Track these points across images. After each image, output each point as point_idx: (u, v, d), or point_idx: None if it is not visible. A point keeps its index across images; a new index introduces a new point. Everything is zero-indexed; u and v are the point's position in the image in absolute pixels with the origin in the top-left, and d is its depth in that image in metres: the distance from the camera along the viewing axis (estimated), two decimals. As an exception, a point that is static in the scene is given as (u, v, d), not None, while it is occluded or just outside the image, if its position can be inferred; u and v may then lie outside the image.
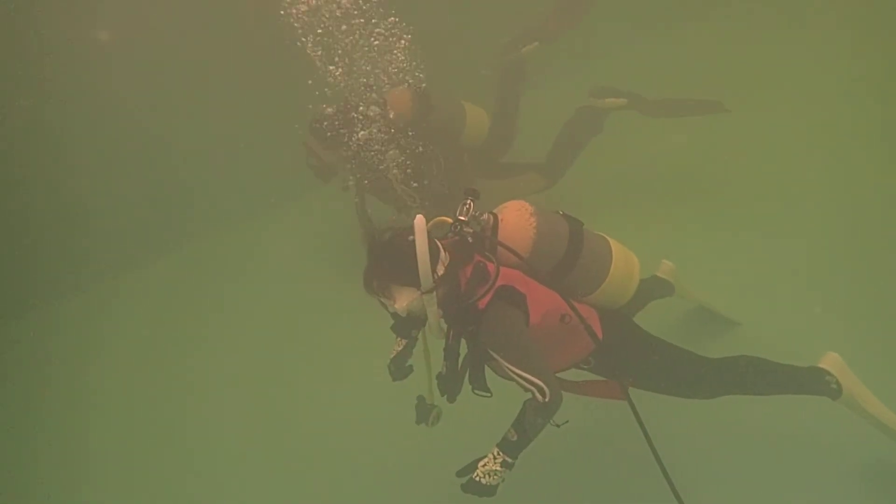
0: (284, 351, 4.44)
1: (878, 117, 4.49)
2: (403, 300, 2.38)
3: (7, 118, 4.86)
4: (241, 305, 4.86)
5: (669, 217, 4.30)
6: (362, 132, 4.06)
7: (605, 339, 2.58)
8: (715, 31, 5.50)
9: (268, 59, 4.86)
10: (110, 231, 5.20)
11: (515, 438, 2.32)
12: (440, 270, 2.37)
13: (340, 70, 4.08)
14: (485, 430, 2.52)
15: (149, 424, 4.26)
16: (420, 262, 2.30)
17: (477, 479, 2.32)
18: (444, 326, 2.47)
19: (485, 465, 2.33)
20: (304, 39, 4.08)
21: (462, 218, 2.50)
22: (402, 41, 4.09)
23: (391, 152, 4.06)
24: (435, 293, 2.36)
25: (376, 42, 4.07)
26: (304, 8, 4.05)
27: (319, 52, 4.09)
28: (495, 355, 2.37)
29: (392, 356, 2.87)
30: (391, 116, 4.09)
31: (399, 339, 2.86)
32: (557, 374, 2.54)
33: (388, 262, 2.38)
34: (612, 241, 2.73)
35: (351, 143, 4.12)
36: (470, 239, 2.50)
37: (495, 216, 2.58)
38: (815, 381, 2.74)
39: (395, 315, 2.64)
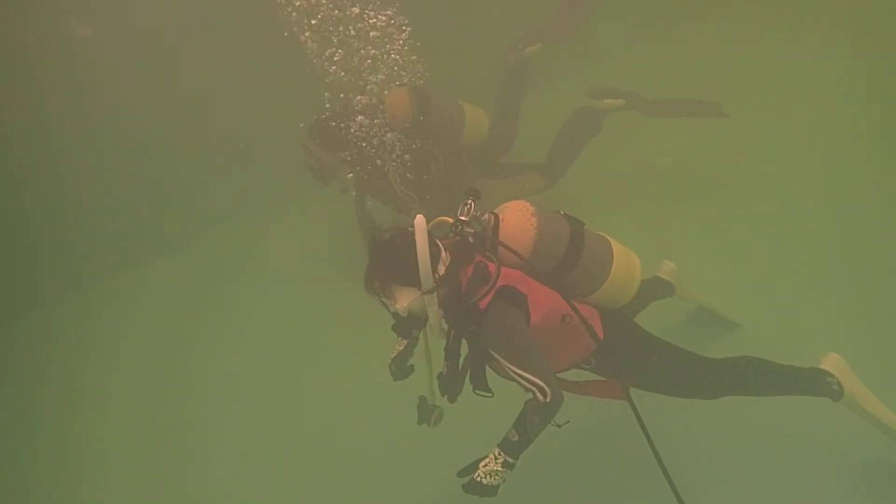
0: (284, 351, 4.44)
1: (878, 117, 4.50)
2: (404, 300, 2.38)
3: (7, 118, 4.85)
4: (241, 305, 4.86)
5: (669, 217, 4.30)
6: (360, 116, 4.06)
7: (606, 340, 2.58)
8: (715, 31, 5.50)
9: (268, 59, 4.85)
10: (110, 231, 5.19)
11: (517, 438, 2.32)
12: (441, 270, 2.37)
13: (338, 60, 4.06)
14: (486, 431, 2.52)
15: (149, 424, 4.26)
16: (421, 262, 2.30)
17: (478, 479, 2.31)
18: (445, 326, 2.47)
19: (486, 465, 2.33)
20: (305, 35, 4.07)
21: (463, 218, 2.50)
22: (404, 32, 4.08)
23: (388, 136, 4.05)
24: (436, 293, 2.36)
25: (374, 34, 4.06)
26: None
27: (320, 49, 4.08)
28: (496, 355, 2.37)
29: (393, 356, 2.87)
30: (390, 117, 4.10)
31: (400, 339, 2.87)
32: (558, 375, 2.54)
33: (388, 262, 2.38)
34: (613, 242, 2.72)
35: (350, 135, 4.12)
36: (471, 239, 2.50)
37: (496, 216, 2.58)
38: (816, 382, 2.74)
39: (395, 315, 2.64)
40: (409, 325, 2.75)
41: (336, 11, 4.04)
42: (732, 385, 2.72)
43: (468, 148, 4.43)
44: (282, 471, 3.79)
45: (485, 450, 2.38)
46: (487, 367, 2.52)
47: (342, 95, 4.20)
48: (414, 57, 4.14)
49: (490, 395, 2.51)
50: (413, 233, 2.30)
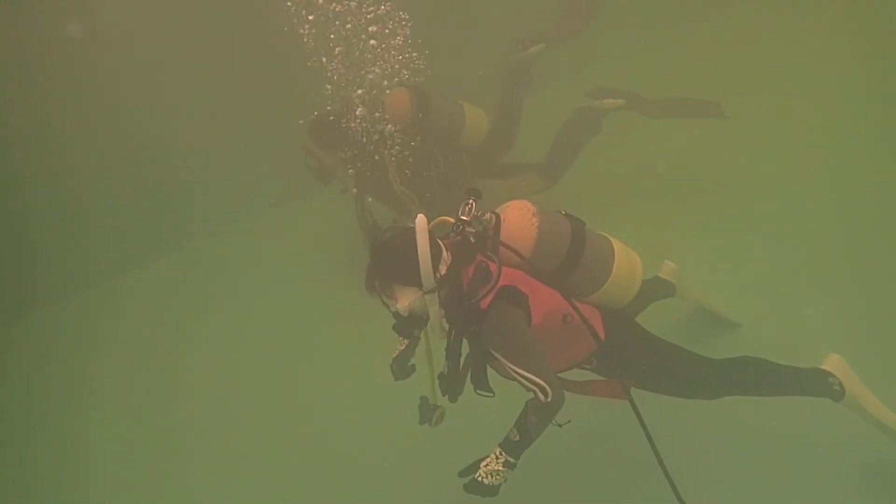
0: (284, 351, 4.44)
1: (878, 117, 4.50)
2: (405, 300, 2.38)
3: (7, 118, 4.84)
4: (241, 305, 4.85)
5: (669, 217, 4.30)
6: (359, 109, 4.05)
7: (607, 340, 2.59)
8: (715, 31, 5.51)
9: (268, 59, 4.85)
10: (110, 231, 5.18)
11: (518, 438, 2.32)
12: (442, 270, 2.37)
13: (338, 58, 4.05)
14: (487, 431, 2.52)
15: (149, 424, 4.26)
16: (422, 262, 2.30)
17: (479, 479, 2.32)
18: (446, 326, 2.47)
19: (487, 465, 2.33)
20: (304, 30, 4.06)
21: (464, 218, 2.50)
22: (405, 28, 4.07)
23: (388, 128, 4.04)
24: (437, 293, 2.36)
25: (374, 28, 4.05)
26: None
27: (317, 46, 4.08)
28: (497, 355, 2.37)
29: (394, 356, 2.87)
30: (390, 116, 4.09)
31: (401, 338, 2.87)
32: (559, 374, 2.55)
33: (389, 262, 2.38)
34: (614, 241, 2.72)
35: (349, 131, 4.11)
36: (472, 239, 2.50)
37: (497, 216, 2.58)
38: (817, 383, 2.74)
39: (396, 315, 2.64)
40: (410, 325, 2.75)
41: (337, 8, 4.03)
42: (733, 385, 2.72)
43: (468, 148, 4.43)
44: (282, 471, 3.78)
45: (486, 449, 2.38)
46: (488, 366, 2.52)
47: (340, 97, 4.20)
48: (415, 54, 4.13)
49: (491, 394, 2.51)
50: (414, 232, 2.30)
